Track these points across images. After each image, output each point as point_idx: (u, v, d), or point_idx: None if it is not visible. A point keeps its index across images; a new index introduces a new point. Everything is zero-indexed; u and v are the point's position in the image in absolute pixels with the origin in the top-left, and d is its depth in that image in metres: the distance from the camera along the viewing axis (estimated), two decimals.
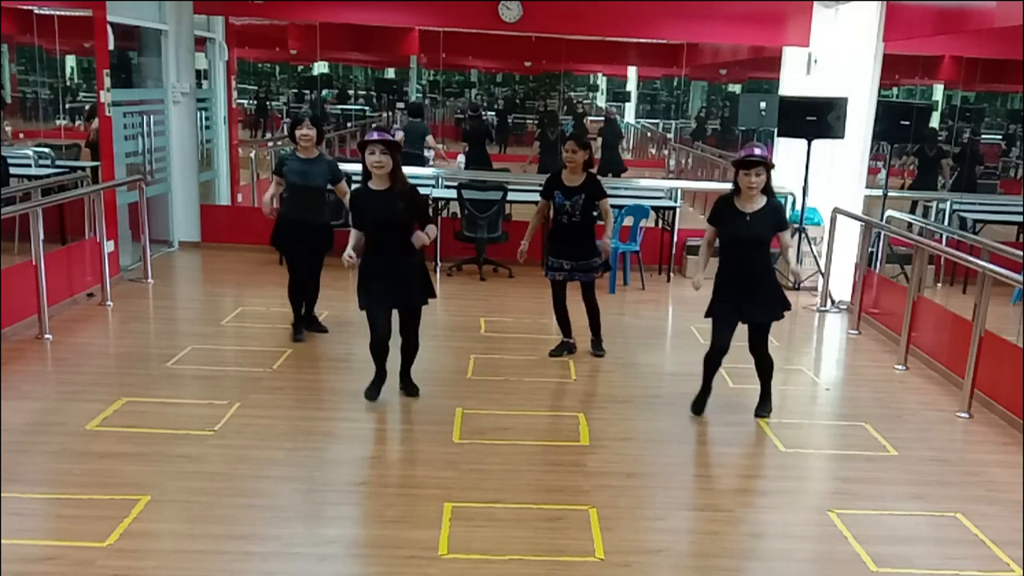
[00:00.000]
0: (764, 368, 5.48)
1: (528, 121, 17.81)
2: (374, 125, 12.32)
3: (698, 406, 5.53)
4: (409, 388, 5.67)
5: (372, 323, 5.34)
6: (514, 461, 4.79)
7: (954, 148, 13.04)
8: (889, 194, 8.97)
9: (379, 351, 5.41)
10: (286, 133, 6.71)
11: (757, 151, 5.09)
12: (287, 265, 6.95)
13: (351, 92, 18.10)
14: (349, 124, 16.41)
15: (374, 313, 5.33)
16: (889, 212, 8.64)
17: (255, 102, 16.50)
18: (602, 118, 15.47)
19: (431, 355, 6.75)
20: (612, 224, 6.47)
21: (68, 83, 10.92)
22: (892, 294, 7.61)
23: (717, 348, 5.33)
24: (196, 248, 9.91)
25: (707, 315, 5.36)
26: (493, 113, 17.51)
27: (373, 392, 5.48)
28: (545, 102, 18.07)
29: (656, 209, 9.57)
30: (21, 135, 10.70)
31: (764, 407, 5.56)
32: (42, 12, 9.69)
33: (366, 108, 17.49)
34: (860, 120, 8.40)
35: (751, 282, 5.20)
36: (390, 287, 5.28)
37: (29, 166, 9.47)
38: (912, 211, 10.86)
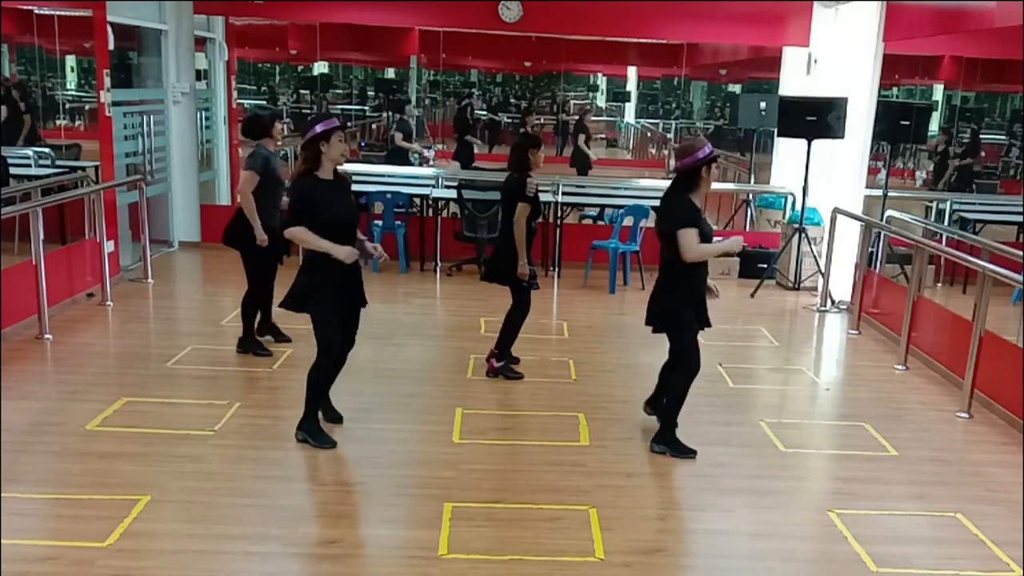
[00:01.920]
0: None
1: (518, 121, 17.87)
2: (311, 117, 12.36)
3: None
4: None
5: (332, 337, 4.76)
6: (514, 461, 4.79)
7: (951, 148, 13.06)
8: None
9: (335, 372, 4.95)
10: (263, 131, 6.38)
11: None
12: (256, 271, 6.32)
13: (356, 91, 18.13)
14: (349, 124, 16.42)
15: (334, 325, 4.78)
16: (889, 212, 8.64)
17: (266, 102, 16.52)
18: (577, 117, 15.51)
19: (431, 355, 6.76)
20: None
21: (52, 82, 10.93)
22: (892, 294, 7.61)
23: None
24: (196, 248, 9.91)
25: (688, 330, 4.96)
26: (485, 112, 17.53)
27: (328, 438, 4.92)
28: (530, 102, 18.11)
29: (656, 209, 9.57)
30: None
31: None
32: (42, 12, 9.70)
33: (365, 108, 17.52)
34: (860, 120, 8.40)
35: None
36: (347, 293, 4.85)
37: (29, 166, 9.48)
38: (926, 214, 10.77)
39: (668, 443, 4.93)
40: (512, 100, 18.98)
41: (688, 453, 4.90)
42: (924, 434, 5.47)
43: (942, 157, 12.91)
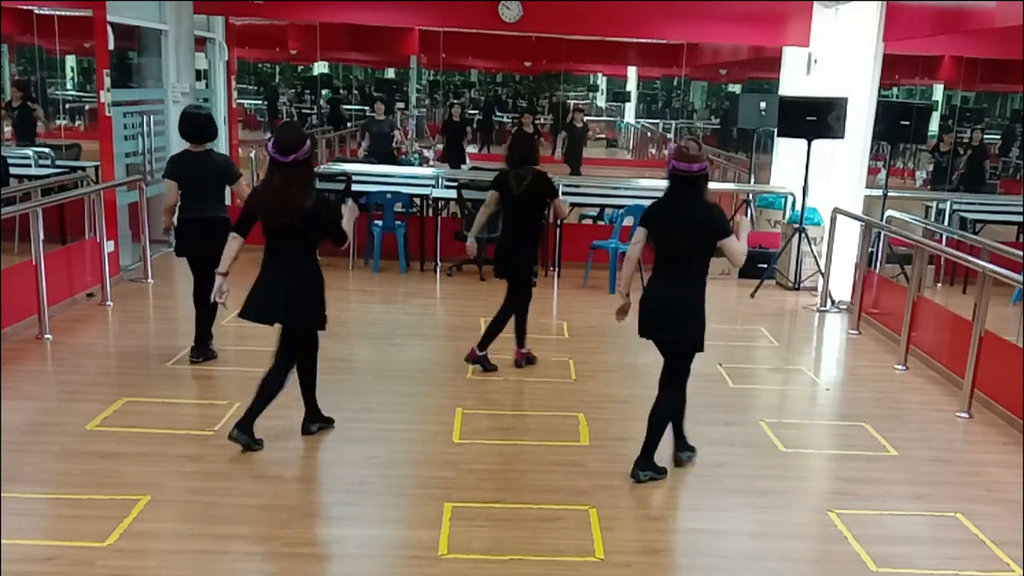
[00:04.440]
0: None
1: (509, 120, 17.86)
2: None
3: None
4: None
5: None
6: (514, 461, 4.79)
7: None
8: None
9: None
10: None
11: None
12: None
13: (357, 92, 18.14)
14: (349, 124, 16.43)
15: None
16: (889, 212, 8.64)
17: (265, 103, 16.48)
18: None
19: (431, 355, 6.76)
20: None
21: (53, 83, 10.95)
22: (892, 294, 7.61)
23: None
24: None
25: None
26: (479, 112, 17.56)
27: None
28: (529, 101, 18.12)
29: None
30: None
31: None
32: (42, 12, 9.70)
33: (365, 108, 17.53)
34: (860, 120, 8.40)
35: None
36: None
37: (29, 166, 9.48)
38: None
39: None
40: (508, 99, 18.98)
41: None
42: (924, 434, 5.47)
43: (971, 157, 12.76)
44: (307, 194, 4.61)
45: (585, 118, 14.14)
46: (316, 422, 5.05)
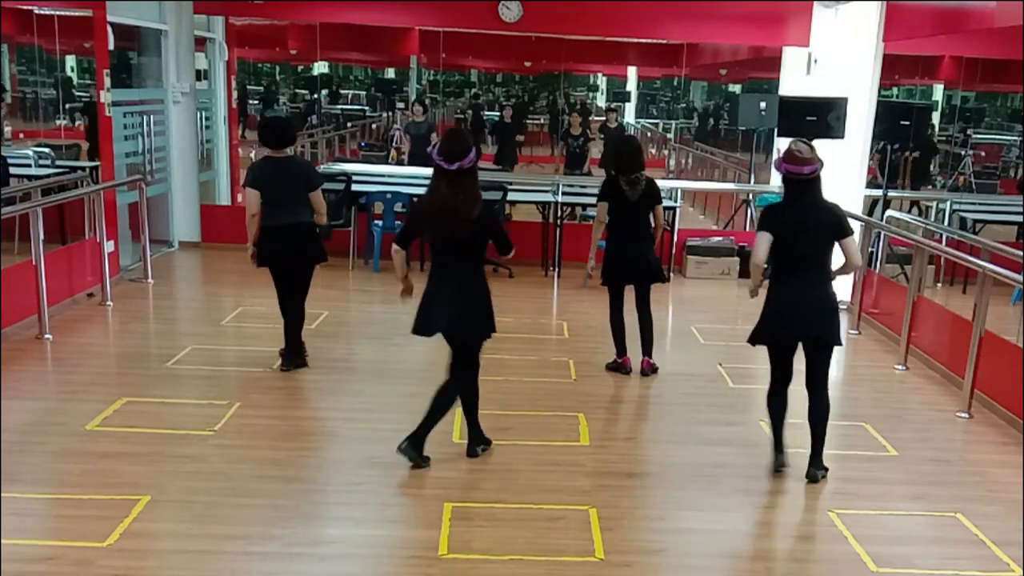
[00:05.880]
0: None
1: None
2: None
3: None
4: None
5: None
6: (514, 461, 4.79)
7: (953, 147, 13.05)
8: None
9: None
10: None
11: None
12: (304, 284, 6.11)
13: (363, 93, 18.13)
14: (349, 124, 16.41)
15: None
16: (889, 212, 8.64)
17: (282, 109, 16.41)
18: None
19: (431, 355, 6.75)
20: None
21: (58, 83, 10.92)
22: (892, 294, 7.61)
23: None
24: (196, 248, 9.91)
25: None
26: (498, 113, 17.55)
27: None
28: (566, 101, 18.08)
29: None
30: (21, 135, 10.71)
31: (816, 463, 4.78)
32: (42, 12, 9.69)
33: (366, 108, 17.52)
34: (860, 120, 8.40)
35: None
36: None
37: (29, 166, 9.47)
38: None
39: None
40: (523, 100, 18.96)
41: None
42: (924, 434, 5.47)
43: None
44: (474, 203, 4.46)
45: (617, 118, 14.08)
46: (480, 443, 4.89)
